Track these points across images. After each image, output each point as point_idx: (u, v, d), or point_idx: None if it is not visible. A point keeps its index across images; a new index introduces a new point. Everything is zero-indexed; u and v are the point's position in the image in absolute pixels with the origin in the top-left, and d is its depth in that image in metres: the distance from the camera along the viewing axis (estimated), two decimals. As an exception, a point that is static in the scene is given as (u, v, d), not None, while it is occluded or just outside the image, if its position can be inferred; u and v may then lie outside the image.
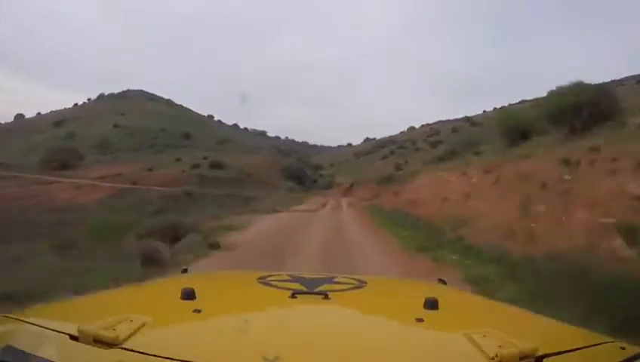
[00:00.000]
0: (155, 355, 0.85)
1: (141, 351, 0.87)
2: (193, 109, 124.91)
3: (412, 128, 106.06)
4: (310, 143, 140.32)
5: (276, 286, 1.60)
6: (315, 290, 1.45)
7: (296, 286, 1.55)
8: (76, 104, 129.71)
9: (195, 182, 48.33)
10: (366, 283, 1.75)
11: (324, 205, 32.30)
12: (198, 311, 1.17)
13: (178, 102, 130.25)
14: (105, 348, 0.88)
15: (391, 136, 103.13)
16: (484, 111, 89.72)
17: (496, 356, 0.86)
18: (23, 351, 0.85)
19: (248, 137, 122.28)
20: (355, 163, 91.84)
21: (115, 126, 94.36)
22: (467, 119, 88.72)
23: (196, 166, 59.96)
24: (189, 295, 1.27)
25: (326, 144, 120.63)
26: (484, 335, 0.97)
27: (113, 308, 1.27)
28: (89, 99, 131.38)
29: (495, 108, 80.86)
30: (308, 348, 0.98)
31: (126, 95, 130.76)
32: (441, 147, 54.03)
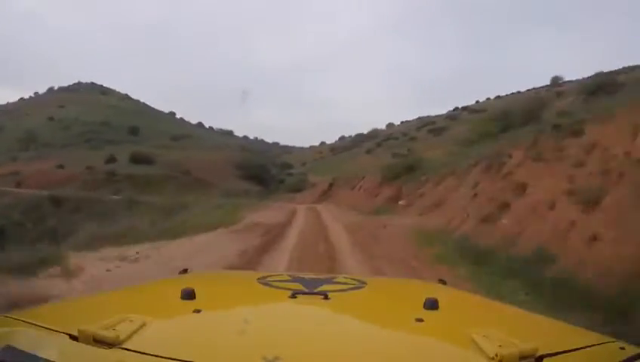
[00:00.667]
0: (155, 355, 0.84)
1: (141, 351, 0.86)
2: (153, 105, 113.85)
3: (391, 124, 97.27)
4: (281, 144, 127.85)
5: (276, 287, 1.54)
6: (315, 291, 1.41)
7: (296, 286, 1.49)
8: (22, 98, 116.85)
9: (96, 182, 41.45)
10: (366, 283, 1.68)
11: (283, 225, 15.94)
12: (197, 311, 1.13)
13: (136, 98, 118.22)
14: (105, 348, 0.86)
15: (370, 132, 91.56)
16: (477, 102, 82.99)
17: (497, 356, 0.85)
18: (23, 351, 0.83)
19: (213, 136, 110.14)
20: (332, 159, 79.41)
21: (50, 119, 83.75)
22: (463, 108, 79.84)
23: (111, 160, 50.36)
24: (188, 295, 1.22)
25: (298, 145, 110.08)
26: (484, 336, 0.96)
27: (113, 308, 1.24)
28: (36, 93, 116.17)
29: (488, 99, 79.29)
30: (308, 348, 0.96)
31: (76, 88, 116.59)
32: (460, 129, 41.69)
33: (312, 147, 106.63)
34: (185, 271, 2.13)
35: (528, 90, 71.76)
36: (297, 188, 51.24)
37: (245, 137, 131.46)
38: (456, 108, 79.67)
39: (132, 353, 0.85)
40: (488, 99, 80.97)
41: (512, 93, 76.25)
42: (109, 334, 0.88)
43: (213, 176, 48.72)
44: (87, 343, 0.87)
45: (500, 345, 0.88)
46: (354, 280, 1.72)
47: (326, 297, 1.30)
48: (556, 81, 58.34)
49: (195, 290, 1.23)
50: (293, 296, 1.29)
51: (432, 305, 1.20)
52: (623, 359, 0.94)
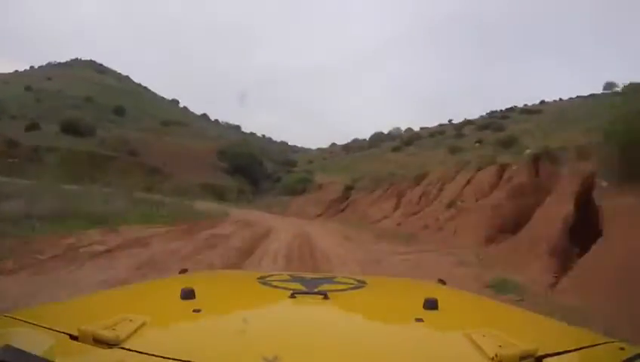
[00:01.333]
0: (154, 355, 0.82)
1: (141, 350, 0.84)
2: (157, 92, 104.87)
3: (410, 130, 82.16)
4: (290, 144, 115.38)
5: (276, 286, 1.51)
6: (315, 290, 1.37)
7: (296, 286, 1.47)
8: (16, 71, 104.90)
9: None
10: (366, 283, 1.64)
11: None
12: (197, 310, 1.11)
13: (138, 81, 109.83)
14: (105, 348, 0.85)
15: (392, 131, 77.75)
16: (525, 105, 71.06)
17: (496, 356, 0.83)
18: (23, 351, 0.80)
19: (216, 128, 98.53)
20: (346, 158, 62.65)
21: (27, 89, 72.20)
22: (508, 110, 68.31)
23: (32, 127, 38.66)
24: (188, 294, 1.20)
25: (307, 146, 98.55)
26: (484, 336, 0.94)
27: (113, 307, 1.22)
28: (31, 67, 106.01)
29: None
30: (307, 348, 0.95)
31: (73, 64, 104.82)
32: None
33: (320, 149, 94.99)
34: (185, 270, 2.03)
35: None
36: (296, 190, 35.44)
37: (252, 133, 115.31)
38: (493, 112, 63.39)
39: (132, 353, 0.83)
40: (540, 102, 70.22)
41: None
42: (108, 334, 0.86)
43: (184, 166, 36.42)
44: (87, 343, 0.85)
45: (500, 346, 0.86)
46: (354, 279, 1.67)
47: (326, 297, 1.25)
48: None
49: (195, 290, 1.20)
50: (293, 296, 1.24)
51: (431, 305, 1.16)
52: (622, 359, 0.91)
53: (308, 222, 22.99)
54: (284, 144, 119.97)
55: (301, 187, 36.33)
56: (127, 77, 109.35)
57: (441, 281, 1.97)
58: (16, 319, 1.04)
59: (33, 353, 0.79)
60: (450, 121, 65.71)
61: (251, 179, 42.55)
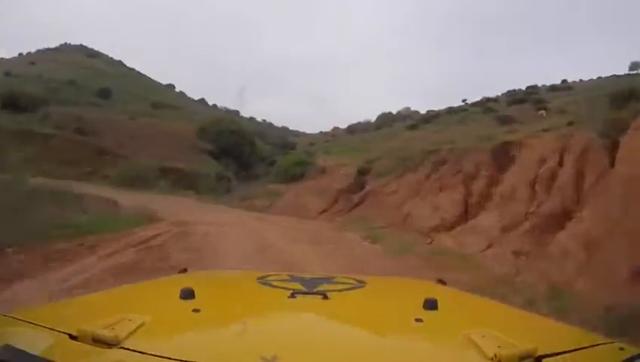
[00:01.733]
0: (154, 355, 0.82)
1: (140, 350, 0.83)
2: (152, 77, 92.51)
3: (417, 112, 65.61)
4: (291, 128, 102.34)
5: (275, 286, 1.50)
6: (315, 290, 1.36)
7: (296, 286, 1.45)
8: (2, 58, 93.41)
9: None
10: (365, 283, 1.62)
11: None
12: (197, 310, 1.10)
13: (131, 66, 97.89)
14: (104, 348, 0.84)
15: (402, 111, 64.61)
16: (553, 85, 55.26)
17: (496, 356, 0.82)
18: (22, 351, 0.79)
19: (213, 113, 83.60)
20: (352, 139, 49.06)
21: (7, 75, 62.86)
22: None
23: None
24: (188, 294, 1.18)
25: (309, 131, 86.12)
26: (484, 336, 0.93)
27: (112, 307, 1.21)
28: (20, 54, 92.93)
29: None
30: (306, 348, 0.94)
31: (62, 49, 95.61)
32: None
33: (322, 133, 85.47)
34: (184, 270, 1.99)
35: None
36: (294, 175, 25.98)
37: (252, 118, 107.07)
38: (511, 91, 54.38)
39: (131, 352, 0.82)
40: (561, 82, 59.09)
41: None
42: (108, 334, 0.85)
43: (152, 148, 29.84)
44: (87, 343, 0.84)
45: (499, 346, 0.85)
46: (353, 280, 1.65)
47: (325, 297, 1.25)
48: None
49: (195, 290, 1.19)
50: (293, 296, 1.24)
51: (431, 305, 1.15)
52: (622, 359, 0.90)
53: (305, 229, 13.37)
54: (284, 129, 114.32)
55: (299, 171, 26.02)
56: (119, 61, 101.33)
57: (441, 281, 1.91)
58: (15, 319, 1.03)
59: (33, 353, 0.79)
60: (464, 101, 56.55)
61: (240, 163, 34.16)
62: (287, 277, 1.68)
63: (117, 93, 67.37)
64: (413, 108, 61.49)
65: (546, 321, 1.35)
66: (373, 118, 61.19)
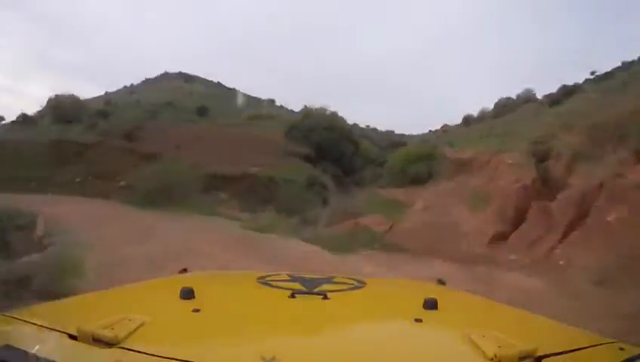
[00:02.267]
0: (153, 354, 0.82)
1: (140, 350, 0.84)
2: (251, 93, 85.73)
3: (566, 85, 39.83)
4: (396, 132, 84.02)
5: (276, 286, 1.47)
6: (315, 290, 1.34)
7: (296, 286, 1.43)
8: (107, 92, 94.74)
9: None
10: (365, 283, 1.57)
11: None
12: (197, 310, 1.10)
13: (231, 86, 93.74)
14: (104, 348, 0.85)
15: (524, 92, 42.74)
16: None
17: (495, 356, 0.80)
18: (22, 350, 0.81)
19: None
20: (483, 125, 32.53)
21: (106, 104, 59.50)
22: None
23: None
24: (188, 294, 1.19)
25: (415, 133, 67.49)
26: (484, 336, 0.90)
27: (112, 307, 1.22)
28: (131, 84, 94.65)
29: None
30: (306, 348, 0.93)
31: (162, 78, 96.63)
32: None
33: (431, 131, 73.94)
34: (184, 270, 1.99)
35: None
36: (416, 175, 17.34)
37: (355, 125, 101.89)
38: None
39: (131, 352, 0.82)
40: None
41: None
42: (108, 333, 0.85)
43: (225, 153, 22.19)
44: (87, 342, 0.84)
45: (499, 346, 0.83)
46: (353, 280, 1.60)
47: (325, 297, 1.23)
48: None
49: (195, 290, 1.20)
50: (293, 296, 1.23)
51: (431, 305, 1.13)
52: (622, 360, 0.89)
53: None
54: (390, 133, 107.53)
55: (423, 169, 17.51)
56: (217, 83, 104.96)
57: (441, 281, 1.86)
58: (16, 318, 1.03)
59: (33, 352, 0.79)
60: (593, 73, 44.08)
61: (341, 166, 26.79)
62: (287, 278, 1.64)
63: (214, 110, 66.88)
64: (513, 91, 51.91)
65: (546, 321, 1.25)
66: (489, 107, 52.14)
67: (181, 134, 25.51)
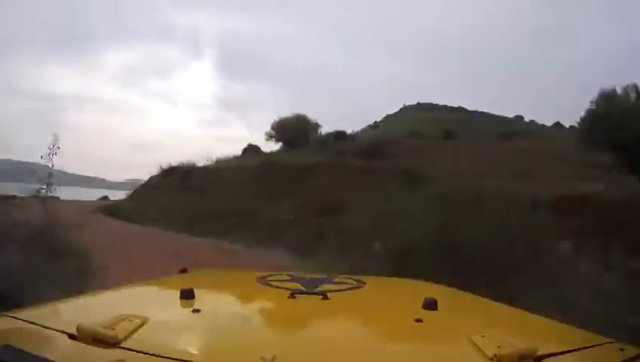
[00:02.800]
0: (154, 354, 0.81)
1: (140, 350, 0.82)
2: (494, 112, 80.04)
3: None
4: None
5: (276, 286, 1.46)
6: (315, 290, 1.34)
7: (296, 286, 1.43)
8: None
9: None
10: (365, 283, 1.59)
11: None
12: (197, 310, 1.09)
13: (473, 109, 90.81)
14: (104, 348, 0.83)
15: None
16: None
17: (495, 356, 0.81)
18: (22, 350, 0.79)
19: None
20: None
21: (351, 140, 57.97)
22: None
23: None
24: (188, 294, 1.18)
25: None
26: (483, 336, 0.91)
27: (112, 307, 1.19)
28: (374, 122, 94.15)
29: None
30: (306, 348, 0.93)
31: (401, 111, 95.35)
32: None
33: None
34: (184, 270, 1.94)
35: None
36: None
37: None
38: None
39: (131, 352, 0.81)
40: None
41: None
42: (108, 333, 0.84)
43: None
44: (87, 342, 0.83)
45: (499, 346, 0.83)
46: (353, 280, 1.61)
47: (325, 297, 1.22)
48: None
49: (195, 290, 1.18)
50: (293, 296, 1.22)
51: (431, 305, 1.13)
52: (622, 360, 0.89)
53: None
54: None
55: None
56: (459, 107, 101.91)
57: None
58: (15, 318, 1.02)
59: (33, 352, 0.78)
60: None
61: None
62: (287, 277, 1.63)
63: (462, 133, 61.86)
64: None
65: (546, 321, 1.28)
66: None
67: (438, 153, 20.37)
